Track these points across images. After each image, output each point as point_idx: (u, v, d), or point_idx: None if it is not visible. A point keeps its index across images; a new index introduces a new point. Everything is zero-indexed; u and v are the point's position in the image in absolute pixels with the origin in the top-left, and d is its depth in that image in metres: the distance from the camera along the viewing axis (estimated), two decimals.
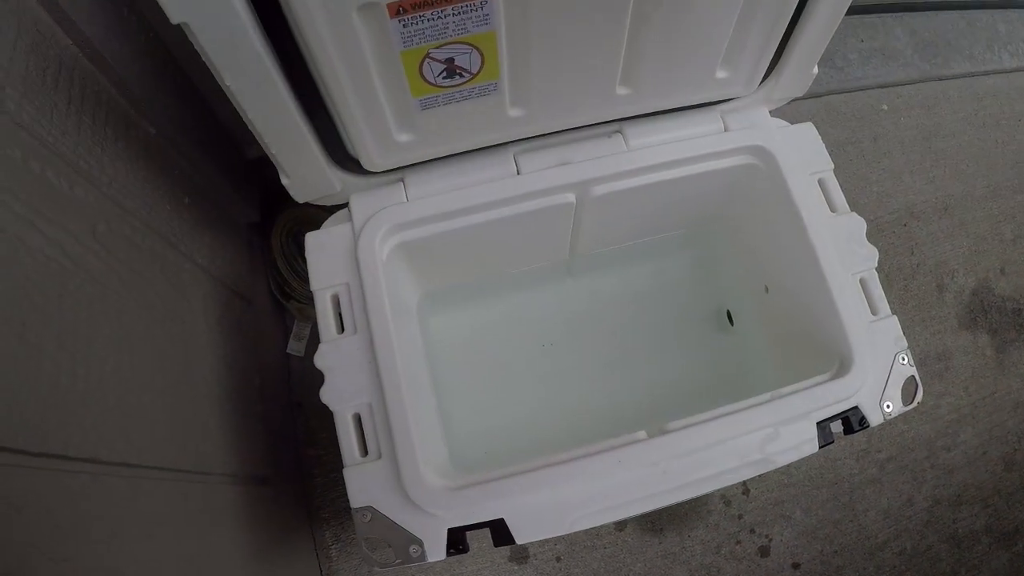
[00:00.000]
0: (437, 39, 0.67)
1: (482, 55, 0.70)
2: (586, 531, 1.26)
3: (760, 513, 1.34)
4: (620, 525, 1.29)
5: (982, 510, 1.43)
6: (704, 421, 0.81)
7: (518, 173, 0.88)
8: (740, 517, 1.33)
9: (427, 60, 0.69)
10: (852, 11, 1.69)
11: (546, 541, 1.25)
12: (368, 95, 0.71)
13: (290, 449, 1.21)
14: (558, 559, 1.26)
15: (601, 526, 1.25)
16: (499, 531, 0.76)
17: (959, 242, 1.59)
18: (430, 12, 0.63)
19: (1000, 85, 1.78)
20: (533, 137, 0.88)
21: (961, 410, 1.48)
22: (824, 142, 0.95)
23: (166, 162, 0.87)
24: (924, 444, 1.44)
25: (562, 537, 1.23)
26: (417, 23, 0.64)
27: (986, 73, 1.79)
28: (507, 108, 0.79)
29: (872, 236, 0.89)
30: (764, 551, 1.33)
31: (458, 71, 0.72)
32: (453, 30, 0.66)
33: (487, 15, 0.65)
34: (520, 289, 1.15)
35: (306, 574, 1.14)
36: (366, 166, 0.83)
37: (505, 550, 1.23)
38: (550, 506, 0.77)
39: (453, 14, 0.64)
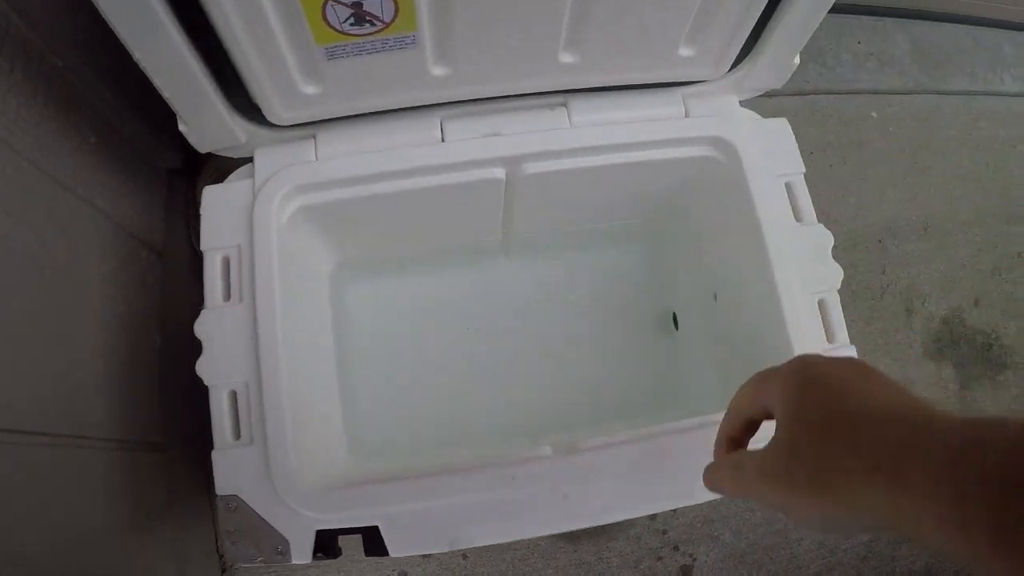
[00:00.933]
0: None
1: (395, 2, 0.60)
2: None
3: (686, 530, 1.25)
4: None
5: (923, 551, 1.35)
6: (620, 443, 0.72)
7: (443, 140, 0.78)
8: (664, 532, 1.24)
9: (330, 3, 0.59)
10: (852, 10, 1.63)
11: None
12: (266, 38, 0.62)
13: (195, 415, 1.13)
14: (464, 556, 1.17)
15: None
16: (372, 539, 0.69)
17: (935, 266, 1.50)
18: None
19: (998, 108, 1.69)
20: (466, 101, 0.78)
21: None
22: (804, 142, 0.85)
23: (72, 98, 0.79)
24: None
25: None
26: None
27: (985, 93, 1.70)
28: (429, 65, 0.69)
29: (844, 249, 0.80)
30: (686, 570, 1.24)
31: (368, 18, 0.61)
32: None
33: None
34: (450, 265, 1.05)
35: (201, 547, 1.08)
36: (269, 118, 0.74)
37: None
38: (431, 519, 0.69)
39: None
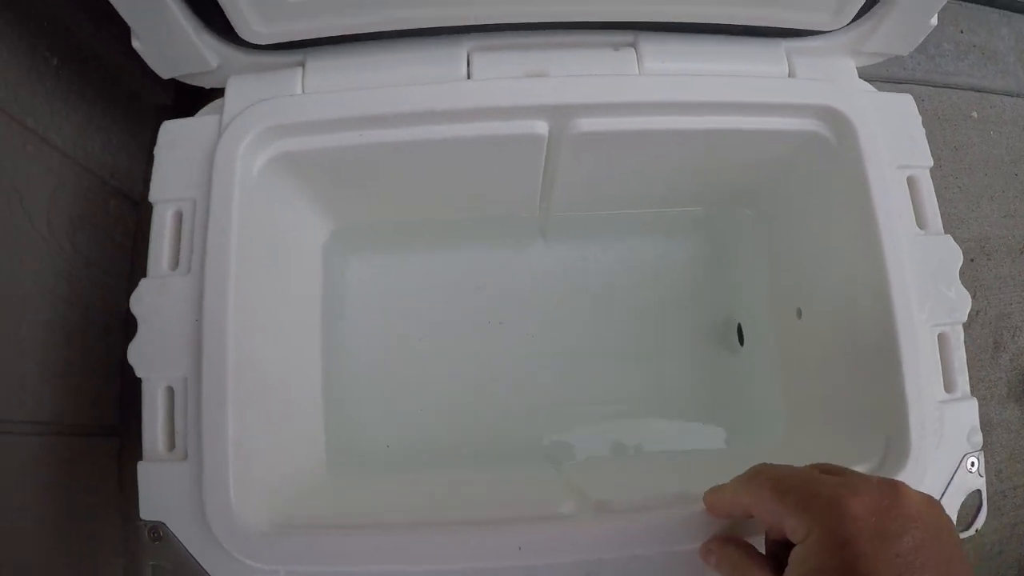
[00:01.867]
0: None
1: None
2: None
3: None
4: None
5: None
6: (668, 504, 0.53)
7: (469, 77, 0.60)
8: None
9: None
10: None
11: None
12: None
13: None
14: None
15: None
16: None
17: None
18: None
19: None
20: (501, 27, 0.60)
21: (988, 497, 1.21)
22: None
23: (28, 8, 0.67)
24: None
25: None
26: None
27: None
28: None
29: None
30: None
31: None
32: None
33: None
34: (474, 241, 0.87)
35: None
36: (243, 35, 0.57)
37: None
38: None
39: None
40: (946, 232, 0.66)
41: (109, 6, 0.53)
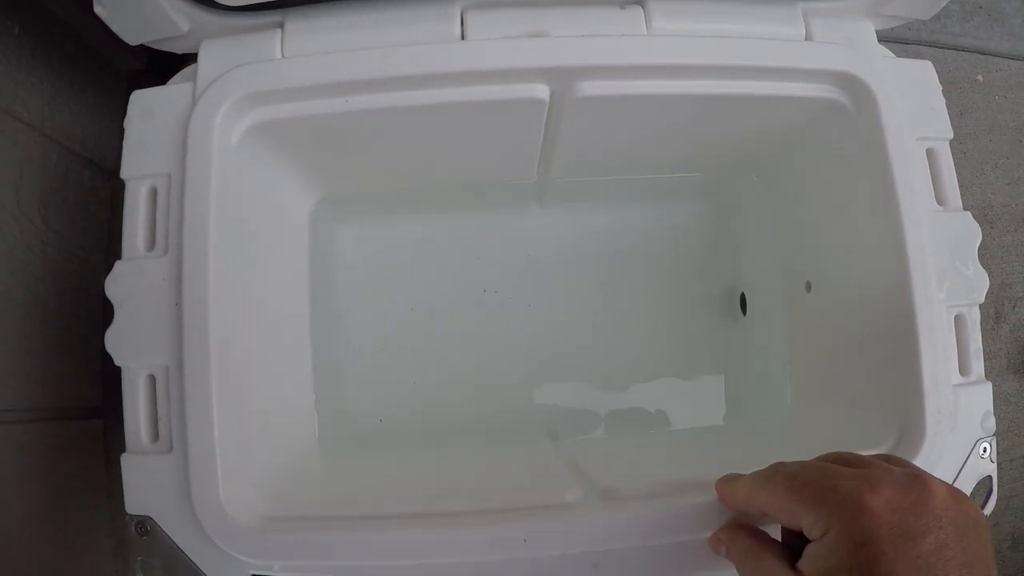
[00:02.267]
0: None
1: None
2: None
3: None
4: None
5: None
6: (678, 493, 0.51)
7: (463, 38, 0.56)
8: None
9: None
10: None
11: None
12: None
13: None
14: None
15: None
16: None
17: None
18: None
19: None
20: None
21: None
22: None
23: None
24: None
25: None
26: None
27: None
28: None
29: None
30: None
31: None
32: None
33: None
34: (466, 207, 0.83)
35: None
36: None
37: None
38: None
39: None
40: None
41: None
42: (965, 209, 0.61)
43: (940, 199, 0.60)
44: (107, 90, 0.87)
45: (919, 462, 0.54)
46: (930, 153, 0.61)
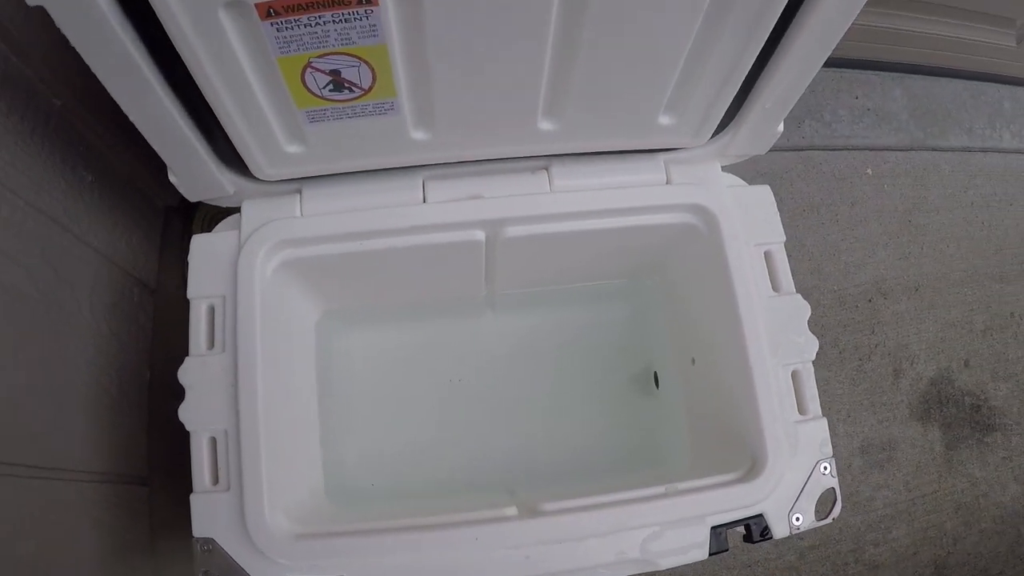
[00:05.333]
0: (318, 48, 0.58)
1: (373, 70, 0.61)
2: None
3: None
4: None
5: None
6: (583, 508, 0.72)
7: (424, 201, 0.79)
8: None
9: (309, 70, 0.60)
10: (850, 65, 1.63)
11: None
12: (248, 100, 0.64)
13: (181, 450, 1.13)
14: None
15: None
16: None
17: (925, 326, 1.50)
18: (306, 17, 0.54)
19: (995, 164, 1.69)
20: (447, 164, 0.79)
21: (898, 505, 1.39)
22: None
23: (69, 137, 0.82)
24: (852, 536, 1.35)
25: None
26: (292, 28, 0.55)
27: (983, 150, 1.70)
28: (409, 130, 0.70)
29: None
30: None
31: (347, 85, 0.63)
32: (335, 40, 0.57)
33: (374, 27, 0.56)
34: (435, 316, 1.05)
35: None
36: (255, 173, 0.75)
37: None
38: (397, 573, 0.71)
39: (333, 21, 0.55)
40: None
41: (128, 131, 0.67)
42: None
43: (775, 287, 0.82)
44: (150, 223, 1.04)
45: (763, 482, 0.74)
46: (767, 254, 0.83)
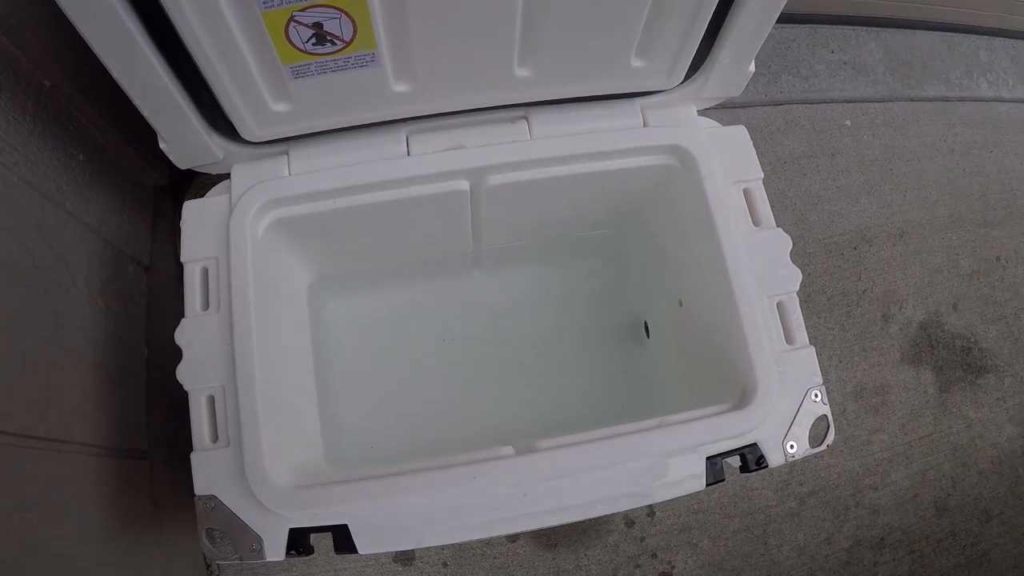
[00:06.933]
0: (300, 0, 0.59)
1: (354, 21, 0.63)
2: (477, 539, 1.18)
3: (664, 537, 1.26)
4: (512, 536, 1.21)
5: (906, 555, 1.36)
6: (577, 443, 0.74)
7: (408, 154, 0.81)
8: (642, 540, 1.26)
9: (292, 24, 0.62)
10: (824, 20, 1.66)
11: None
12: (235, 60, 0.65)
13: (180, 423, 1.14)
14: (444, 564, 1.18)
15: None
16: (341, 537, 0.72)
17: (912, 272, 1.52)
18: None
19: (974, 113, 1.71)
20: (431, 116, 0.80)
21: (895, 448, 1.41)
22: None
23: (59, 117, 0.82)
24: (851, 481, 1.37)
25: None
26: None
27: (960, 99, 1.73)
28: (391, 82, 0.72)
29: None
30: None
31: (329, 38, 0.64)
32: None
33: None
34: (425, 277, 1.07)
35: (187, 552, 1.09)
36: (243, 135, 0.77)
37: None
38: (398, 517, 0.73)
39: None
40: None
41: (117, 112, 0.69)
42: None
43: (756, 221, 0.84)
44: (141, 201, 1.04)
45: (755, 409, 0.75)
46: (746, 191, 0.85)
